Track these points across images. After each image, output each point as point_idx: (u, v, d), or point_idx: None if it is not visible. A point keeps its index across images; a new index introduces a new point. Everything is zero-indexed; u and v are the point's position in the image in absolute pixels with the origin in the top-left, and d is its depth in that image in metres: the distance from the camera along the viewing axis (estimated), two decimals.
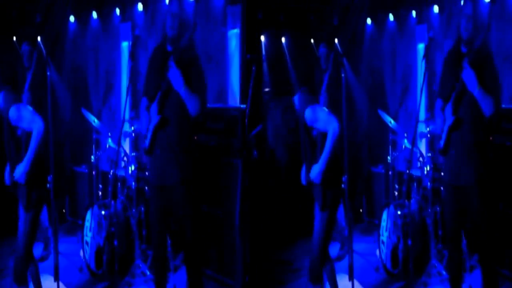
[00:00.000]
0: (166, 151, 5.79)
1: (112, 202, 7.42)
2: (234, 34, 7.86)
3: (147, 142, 5.83)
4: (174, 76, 5.68)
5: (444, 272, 6.98)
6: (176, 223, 6.04)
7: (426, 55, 6.03)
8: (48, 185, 6.10)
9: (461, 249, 6.15)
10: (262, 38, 8.41)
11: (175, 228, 6.14)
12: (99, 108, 9.35)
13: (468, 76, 5.63)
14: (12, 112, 5.97)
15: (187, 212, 5.87)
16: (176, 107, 5.76)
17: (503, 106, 7.30)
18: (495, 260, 6.02)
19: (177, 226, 6.01)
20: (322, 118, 5.86)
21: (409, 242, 6.86)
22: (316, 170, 5.82)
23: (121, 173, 7.58)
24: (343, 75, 5.79)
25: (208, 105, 7.69)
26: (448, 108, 5.84)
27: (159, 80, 5.80)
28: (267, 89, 8.47)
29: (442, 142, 5.88)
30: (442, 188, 6.84)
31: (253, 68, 6.33)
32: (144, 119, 5.92)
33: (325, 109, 5.90)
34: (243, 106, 7.26)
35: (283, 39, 8.82)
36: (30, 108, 6.03)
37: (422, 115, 8.34)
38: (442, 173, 6.62)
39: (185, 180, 5.81)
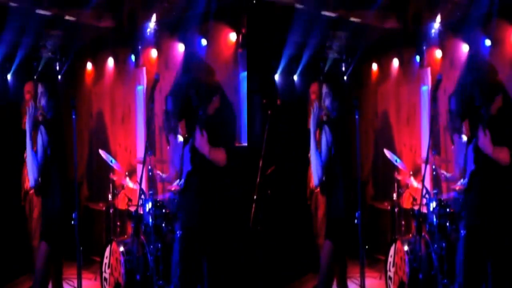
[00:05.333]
0: (193, 195, 6.10)
1: (135, 239, 7.67)
2: (246, 76, 8.21)
3: (181, 183, 6.16)
4: (200, 145, 5.98)
5: None
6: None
7: (433, 96, 6.37)
8: (72, 222, 6.42)
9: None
10: (276, 77, 8.69)
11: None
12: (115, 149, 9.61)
13: (484, 144, 6.00)
14: None
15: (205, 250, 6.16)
16: (204, 160, 6.05)
17: None
18: None
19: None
20: None
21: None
22: None
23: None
24: (357, 116, 6.12)
25: None
26: (470, 152, 6.21)
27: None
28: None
29: (465, 182, 6.29)
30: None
31: (269, 112, 6.67)
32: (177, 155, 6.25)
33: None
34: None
35: (295, 77, 9.07)
36: None
37: None
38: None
39: (203, 224, 6.12)
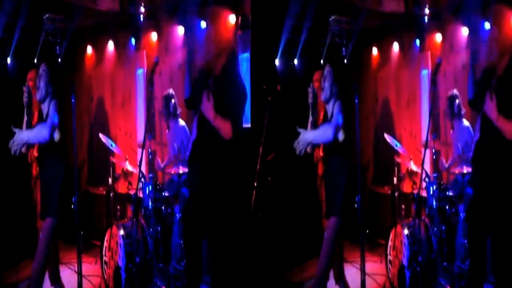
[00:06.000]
0: (197, 165, 6.09)
1: (135, 221, 7.69)
2: (245, 58, 8.20)
3: (187, 153, 6.17)
4: (206, 109, 5.98)
5: None
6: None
7: (433, 80, 6.36)
8: (72, 206, 6.43)
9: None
10: (277, 61, 8.68)
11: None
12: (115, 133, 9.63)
13: (489, 109, 5.95)
14: None
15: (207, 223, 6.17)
16: (211, 129, 6.04)
17: None
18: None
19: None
20: None
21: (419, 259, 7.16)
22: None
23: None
24: (356, 101, 6.14)
25: None
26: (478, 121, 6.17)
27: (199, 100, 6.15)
28: None
29: (471, 153, 6.24)
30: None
31: (269, 98, 6.68)
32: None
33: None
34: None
35: (295, 61, 9.04)
36: None
37: None
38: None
39: (205, 199, 6.11)
